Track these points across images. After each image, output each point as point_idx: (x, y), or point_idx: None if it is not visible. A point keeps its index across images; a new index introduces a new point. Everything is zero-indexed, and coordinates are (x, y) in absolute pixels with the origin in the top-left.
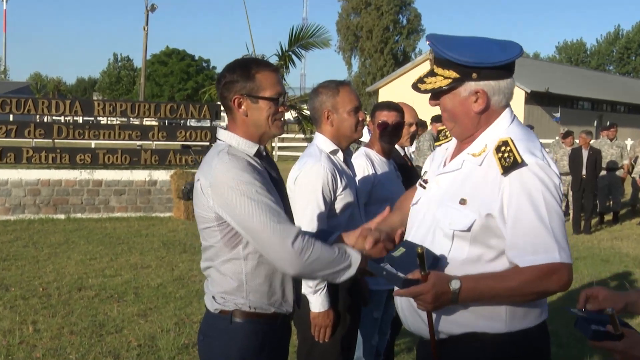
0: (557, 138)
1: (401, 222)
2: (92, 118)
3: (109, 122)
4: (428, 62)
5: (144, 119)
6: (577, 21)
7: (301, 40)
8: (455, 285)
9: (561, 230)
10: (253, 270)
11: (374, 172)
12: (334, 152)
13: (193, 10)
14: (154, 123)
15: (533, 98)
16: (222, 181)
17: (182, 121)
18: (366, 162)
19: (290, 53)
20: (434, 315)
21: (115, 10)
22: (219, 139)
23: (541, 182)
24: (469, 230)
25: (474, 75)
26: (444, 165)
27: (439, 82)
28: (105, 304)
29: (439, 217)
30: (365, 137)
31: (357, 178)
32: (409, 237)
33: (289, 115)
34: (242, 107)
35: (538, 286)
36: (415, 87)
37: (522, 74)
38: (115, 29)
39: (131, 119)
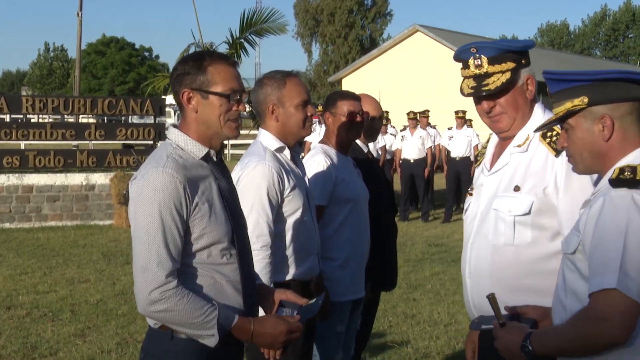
0: None
1: None
2: (21, 116)
3: (39, 121)
4: (389, 46)
5: (80, 116)
6: (560, 1)
7: (254, 26)
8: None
9: None
10: (194, 283)
11: (334, 170)
12: (279, 150)
13: None
14: (91, 120)
15: None
16: (142, 189)
17: (122, 118)
18: (325, 160)
19: (242, 40)
20: None
21: None
22: (167, 138)
23: None
24: (528, 213)
25: (523, 61)
26: (489, 169)
27: (501, 77)
28: (38, 323)
29: (497, 208)
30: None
31: (315, 178)
32: (468, 244)
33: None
34: (192, 102)
35: None
36: (478, 93)
37: None
38: (45, 15)
39: (65, 116)
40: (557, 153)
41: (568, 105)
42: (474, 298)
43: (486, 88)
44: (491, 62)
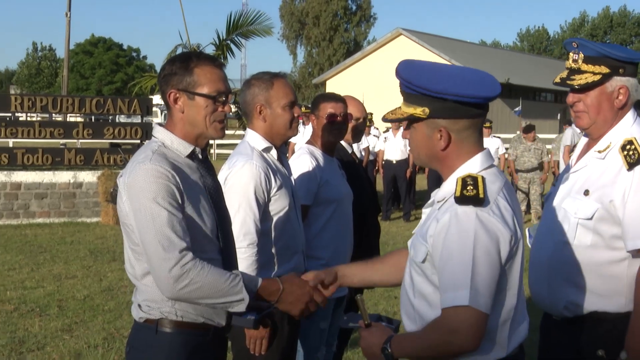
0: (518, 133)
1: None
2: (9, 114)
3: (28, 119)
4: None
5: (68, 115)
6: (540, 7)
7: (240, 28)
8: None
9: None
10: None
11: (319, 170)
12: (266, 150)
13: None
14: (79, 119)
15: None
16: (135, 184)
17: (110, 117)
18: (310, 160)
19: (229, 42)
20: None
21: None
22: (153, 136)
23: None
24: (591, 218)
25: (621, 70)
26: (574, 164)
27: (590, 77)
28: (25, 318)
29: (566, 208)
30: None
31: (301, 178)
32: (541, 227)
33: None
34: (179, 102)
35: None
36: (563, 84)
37: (481, 63)
38: (34, 15)
39: (53, 115)
40: (630, 167)
41: (412, 110)
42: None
43: (571, 82)
44: (586, 60)
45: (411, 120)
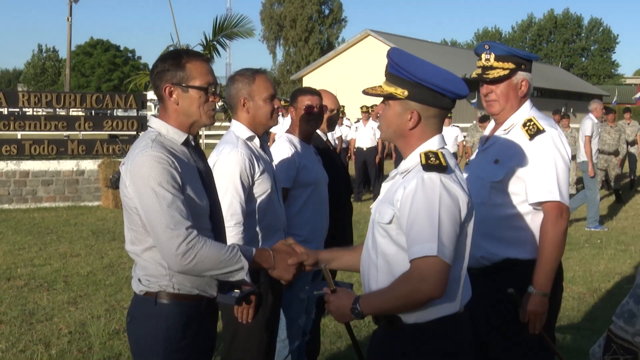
0: (474, 122)
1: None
2: (17, 109)
3: (34, 113)
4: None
5: (70, 110)
6: (494, 9)
7: (225, 30)
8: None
9: (564, 176)
10: None
11: (298, 157)
12: (250, 139)
13: (116, 0)
14: (81, 113)
15: None
16: (138, 170)
17: (108, 111)
18: (290, 147)
19: (215, 43)
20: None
21: (38, 1)
22: (149, 126)
23: (555, 144)
24: (501, 181)
25: (523, 66)
26: (483, 144)
27: (501, 72)
28: (34, 292)
29: (481, 175)
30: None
31: (282, 163)
32: None
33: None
34: (173, 96)
35: (562, 224)
36: (480, 78)
37: (440, 61)
38: (38, 20)
39: (57, 109)
40: (531, 137)
41: (392, 90)
42: None
43: (486, 76)
44: (497, 59)
45: (388, 98)
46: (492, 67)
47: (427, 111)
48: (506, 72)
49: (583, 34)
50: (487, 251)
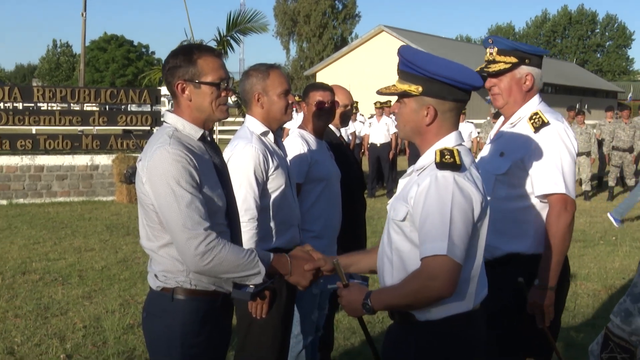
0: (488, 118)
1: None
2: (32, 104)
3: (49, 108)
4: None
5: (85, 105)
6: (508, 5)
7: (239, 26)
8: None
9: (570, 169)
10: None
11: (309, 152)
12: (264, 134)
13: None
14: (95, 108)
15: None
16: (156, 167)
17: (122, 106)
18: (302, 143)
19: (229, 38)
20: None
21: None
22: (165, 122)
23: (560, 137)
24: (505, 174)
25: (527, 60)
26: (493, 137)
27: (502, 65)
28: (49, 287)
29: (487, 168)
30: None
31: (294, 159)
32: None
33: (229, 99)
34: (186, 92)
35: (567, 217)
36: (481, 72)
37: (455, 57)
38: (53, 15)
39: (71, 104)
40: (536, 130)
41: (406, 87)
42: None
43: (488, 69)
44: (499, 53)
45: (402, 96)
46: (494, 61)
47: (443, 105)
48: (508, 65)
49: (598, 30)
50: (489, 244)
